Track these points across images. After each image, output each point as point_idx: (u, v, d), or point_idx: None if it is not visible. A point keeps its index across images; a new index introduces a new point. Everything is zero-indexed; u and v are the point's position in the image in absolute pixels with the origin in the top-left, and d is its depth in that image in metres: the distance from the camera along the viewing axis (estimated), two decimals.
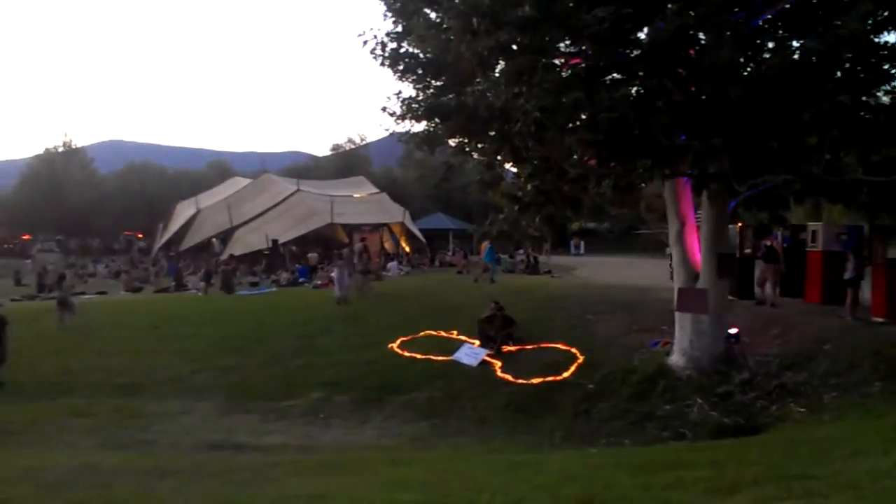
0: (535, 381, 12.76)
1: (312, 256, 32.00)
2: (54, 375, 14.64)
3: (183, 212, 42.11)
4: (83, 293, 25.56)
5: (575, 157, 11.91)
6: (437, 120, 12.16)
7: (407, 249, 37.89)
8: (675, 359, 12.21)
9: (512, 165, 13.59)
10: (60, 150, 65.38)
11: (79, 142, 68.98)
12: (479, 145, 12.88)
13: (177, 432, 11.58)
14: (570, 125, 10.55)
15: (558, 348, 13.94)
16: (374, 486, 6.50)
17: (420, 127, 12.90)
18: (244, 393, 13.56)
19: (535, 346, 14.31)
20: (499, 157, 12.83)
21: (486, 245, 23.91)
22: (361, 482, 6.89)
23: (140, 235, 50.62)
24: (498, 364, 13.71)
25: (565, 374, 12.81)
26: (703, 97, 10.17)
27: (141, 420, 12.22)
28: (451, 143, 13.58)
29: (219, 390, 13.70)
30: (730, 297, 13.53)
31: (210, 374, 14.57)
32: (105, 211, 57.19)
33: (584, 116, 10.33)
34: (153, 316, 19.97)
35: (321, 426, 12.03)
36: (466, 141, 13.02)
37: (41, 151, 66.56)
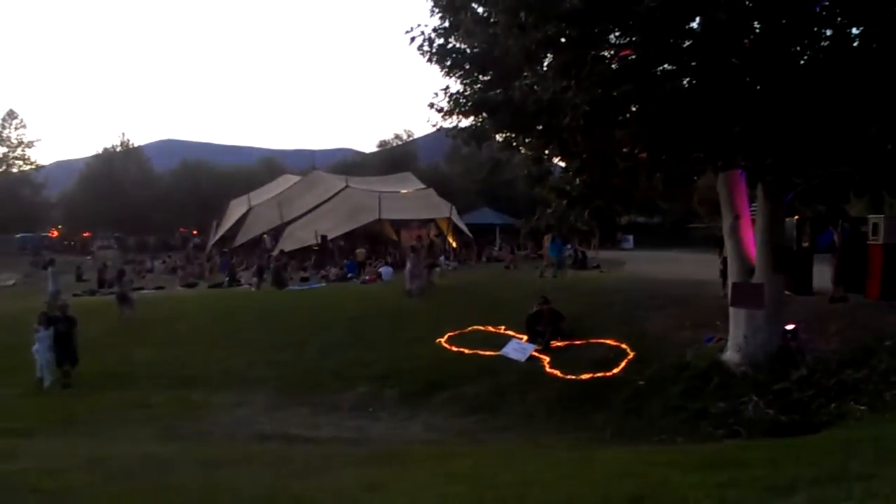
0: (585, 376, 12.65)
1: (360, 252, 32.34)
2: (115, 367, 15.16)
3: (236, 209, 43.03)
4: (141, 288, 26.38)
5: (625, 150, 11.74)
6: (484, 115, 12.12)
7: (454, 245, 37.94)
8: (730, 355, 11.95)
9: (560, 159, 13.47)
10: (118, 149, 67.79)
11: (135, 141, 71.49)
12: (527, 140, 12.80)
13: (232, 423, 11.87)
14: (620, 118, 10.41)
15: (608, 344, 13.79)
16: (423, 479, 6.56)
17: (467, 122, 12.90)
18: (296, 386, 13.82)
19: (584, 341, 14.19)
20: (546, 152, 12.72)
21: (548, 239, 23.82)
22: (411, 474, 6.97)
23: (195, 232, 52.03)
24: (546, 359, 13.64)
25: (615, 370, 12.67)
26: (758, 87, 9.90)
27: (197, 411, 12.57)
28: (499, 138, 13.54)
29: (271, 383, 14.00)
30: (786, 293, 13.17)
31: (263, 368, 14.89)
32: (161, 208, 58.95)
33: (634, 109, 10.18)
34: (208, 310, 20.50)
35: (370, 419, 12.16)
36: (514, 136, 12.96)
37: (100, 151, 69.20)
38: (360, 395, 13.18)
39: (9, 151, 63.67)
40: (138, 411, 12.48)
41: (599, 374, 12.64)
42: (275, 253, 33.85)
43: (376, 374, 13.97)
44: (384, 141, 78.56)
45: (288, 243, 35.12)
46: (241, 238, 39.73)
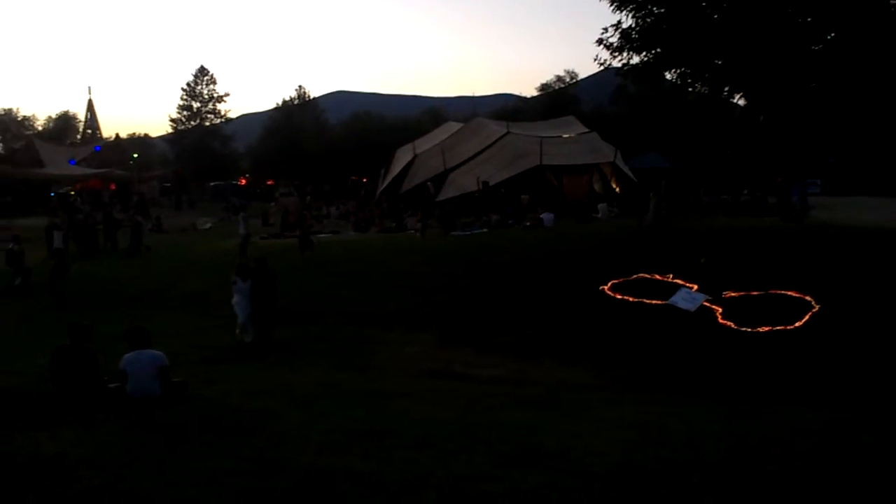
0: (762, 329, 11.90)
1: (525, 198, 32.24)
2: (298, 304, 16.39)
3: (402, 157, 44.32)
4: (319, 232, 28.19)
5: (814, 84, 10.62)
6: (657, 50, 11.41)
7: (617, 190, 36.63)
8: None
9: (740, 97, 12.46)
10: (296, 101, 72.24)
11: (311, 93, 75.76)
12: (704, 75, 11.93)
13: (401, 360, 12.50)
14: (814, 47, 9.38)
15: (789, 296, 12.83)
16: (588, 423, 6.55)
17: (638, 59, 12.22)
18: (460, 326, 14.22)
19: (763, 292, 13.28)
20: (726, 88, 11.80)
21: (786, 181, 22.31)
22: (577, 417, 6.99)
23: (364, 180, 54.41)
24: (719, 310, 12.97)
25: (797, 324, 11.79)
26: None
27: (370, 347, 13.36)
28: (671, 75, 12.75)
29: (438, 322, 14.51)
30: None
31: (428, 308, 15.46)
32: (334, 158, 62.18)
33: (830, 37, 9.13)
34: (378, 253, 21.54)
35: (532, 362, 12.26)
36: (689, 71, 12.13)
37: (279, 103, 74.15)
38: (522, 337, 13.31)
39: (201, 106, 69.89)
40: (318, 345, 13.50)
41: (778, 328, 11.82)
42: (438, 199, 34.66)
43: (538, 317, 14.03)
44: (546, 84, 76.44)
45: (450, 190, 35.74)
46: (407, 185, 41.00)
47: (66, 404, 7.03)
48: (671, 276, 14.93)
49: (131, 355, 7.57)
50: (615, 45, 11.73)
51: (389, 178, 44.22)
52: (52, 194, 44.33)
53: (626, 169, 36.94)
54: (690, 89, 13.15)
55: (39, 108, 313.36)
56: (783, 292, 13.02)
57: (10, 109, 79.92)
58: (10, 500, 4.44)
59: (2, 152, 64.90)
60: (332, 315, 15.43)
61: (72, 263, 19.43)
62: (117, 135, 71.12)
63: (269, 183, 60.03)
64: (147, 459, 5.24)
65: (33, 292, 18.32)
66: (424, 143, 43.61)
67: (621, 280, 15.18)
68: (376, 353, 12.88)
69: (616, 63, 12.12)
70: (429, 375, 11.32)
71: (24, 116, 79.96)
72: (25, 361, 10.02)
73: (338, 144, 65.03)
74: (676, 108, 44.38)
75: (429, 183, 38.38)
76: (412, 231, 28.23)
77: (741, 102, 13.04)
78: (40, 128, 78.13)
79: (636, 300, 14.10)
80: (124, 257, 23.79)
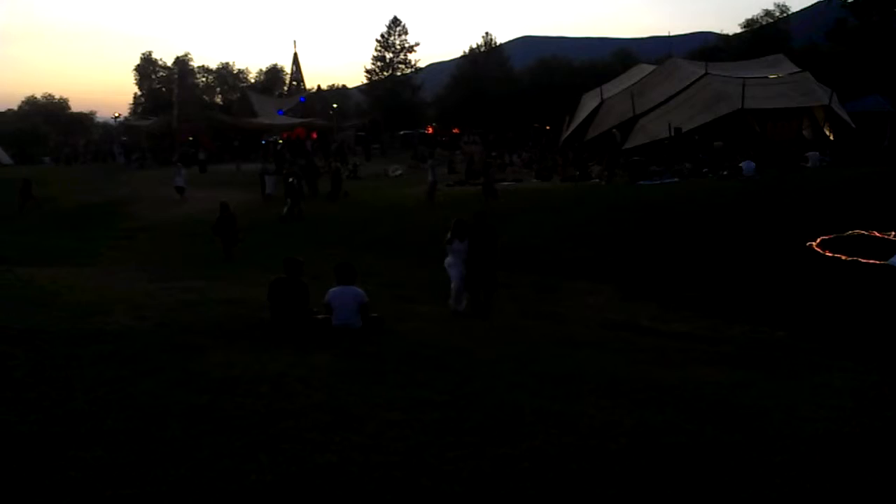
0: None
1: (717, 144, 30.16)
2: None
3: (588, 103, 43.11)
4: (502, 180, 28.45)
5: None
6: None
7: (830, 137, 32.94)
8: None
9: None
10: (482, 49, 72.65)
11: (497, 39, 75.72)
12: None
13: (583, 309, 12.43)
14: None
15: None
16: (791, 386, 6.16)
17: None
18: (644, 279, 13.82)
19: None
20: None
21: None
22: (775, 379, 6.59)
23: (547, 127, 53.74)
24: None
25: None
26: None
27: (552, 295, 13.41)
28: None
29: (620, 274, 14.21)
30: None
31: (612, 259, 15.16)
32: (518, 105, 61.96)
33: None
34: (561, 203, 21.38)
35: (724, 320, 11.61)
36: None
37: (466, 51, 75.01)
38: (711, 292, 12.65)
39: (393, 56, 72.59)
40: (502, 290, 13.79)
41: None
42: (625, 147, 33.42)
43: (732, 273, 13.24)
44: (751, 19, 69.53)
45: (639, 137, 34.29)
46: (593, 132, 39.91)
47: (282, 331, 7.89)
48: (893, 233, 13.33)
49: (337, 290, 8.29)
50: None
51: (574, 124, 43.28)
52: (263, 142, 48.75)
53: (842, 113, 33.09)
54: None
55: (251, 62, 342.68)
56: None
57: (226, 63, 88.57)
58: (241, 411, 5.10)
59: (221, 103, 72.41)
60: (515, 262, 15.61)
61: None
62: (319, 86, 76.27)
63: (454, 131, 61.34)
64: (354, 383, 5.77)
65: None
66: (613, 88, 42.01)
67: (833, 236, 13.82)
68: (559, 302, 12.93)
69: None
70: (612, 327, 11.15)
71: (239, 70, 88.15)
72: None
73: (522, 91, 64.62)
74: None
75: (614, 130, 37.07)
76: (597, 180, 27.61)
77: None
78: (252, 80, 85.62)
79: (850, 259, 12.79)
80: (326, 202, 25.74)
